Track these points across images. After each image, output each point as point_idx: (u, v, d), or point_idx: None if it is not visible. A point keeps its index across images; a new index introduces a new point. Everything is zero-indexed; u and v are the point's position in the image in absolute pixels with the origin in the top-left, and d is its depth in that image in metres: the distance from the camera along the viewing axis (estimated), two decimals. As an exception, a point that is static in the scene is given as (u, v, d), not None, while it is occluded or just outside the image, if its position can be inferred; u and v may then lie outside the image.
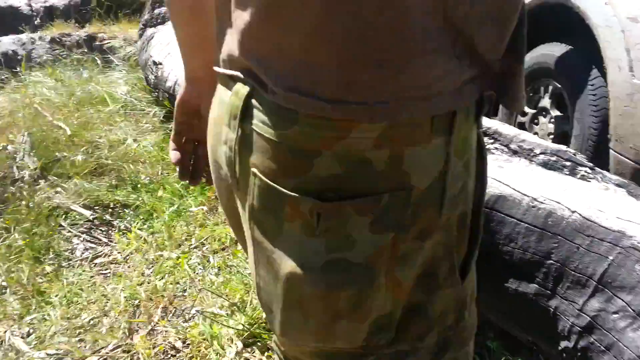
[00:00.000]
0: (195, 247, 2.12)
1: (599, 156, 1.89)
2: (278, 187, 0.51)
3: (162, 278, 1.95)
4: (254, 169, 0.53)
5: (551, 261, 1.11)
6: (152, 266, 2.05)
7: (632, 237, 1.02)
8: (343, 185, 0.50)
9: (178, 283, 1.93)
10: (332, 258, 0.52)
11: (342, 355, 0.59)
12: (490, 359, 1.43)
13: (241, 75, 0.54)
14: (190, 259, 2.05)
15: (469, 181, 0.57)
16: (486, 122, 1.62)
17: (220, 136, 0.60)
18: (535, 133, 2.31)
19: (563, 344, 1.10)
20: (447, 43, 0.48)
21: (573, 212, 1.13)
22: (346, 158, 0.49)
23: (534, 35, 2.35)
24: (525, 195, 1.21)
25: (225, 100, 0.58)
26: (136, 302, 1.85)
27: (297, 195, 0.50)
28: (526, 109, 2.37)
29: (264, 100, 0.52)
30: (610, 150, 1.84)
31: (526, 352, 1.45)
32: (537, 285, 1.14)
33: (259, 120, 0.52)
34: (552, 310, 1.11)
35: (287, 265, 0.53)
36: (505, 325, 1.33)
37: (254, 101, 0.53)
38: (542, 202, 1.18)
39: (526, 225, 1.18)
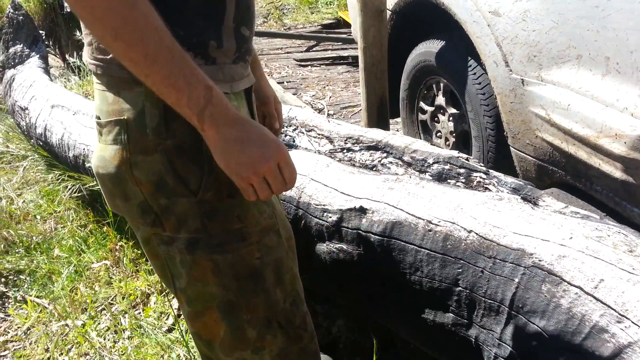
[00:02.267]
0: (102, 310, 1.94)
1: (504, 156, 1.79)
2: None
3: (68, 352, 1.77)
4: None
5: (460, 288, 1.07)
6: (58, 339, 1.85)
7: (532, 255, 0.98)
8: (100, 110, 0.85)
9: (87, 354, 1.75)
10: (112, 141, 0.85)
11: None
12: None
13: None
14: (99, 323, 1.87)
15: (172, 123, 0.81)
16: (376, 134, 1.54)
17: None
18: (439, 132, 2.28)
19: (493, 375, 1.05)
20: None
21: (469, 232, 1.08)
22: (100, 94, 0.85)
23: (412, 33, 2.28)
24: (419, 218, 1.16)
25: None
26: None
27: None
28: (425, 107, 2.34)
29: None
30: (511, 148, 1.74)
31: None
32: (452, 315, 1.09)
33: None
34: (473, 340, 1.05)
35: None
36: (436, 355, 1.26)
37: None
38: (437, 225, 1.13)
39: (427, 251, 1.12)
